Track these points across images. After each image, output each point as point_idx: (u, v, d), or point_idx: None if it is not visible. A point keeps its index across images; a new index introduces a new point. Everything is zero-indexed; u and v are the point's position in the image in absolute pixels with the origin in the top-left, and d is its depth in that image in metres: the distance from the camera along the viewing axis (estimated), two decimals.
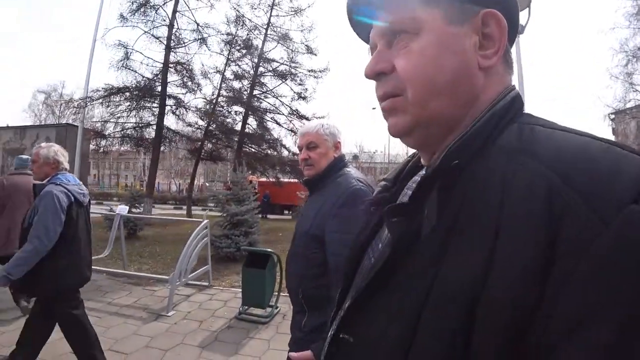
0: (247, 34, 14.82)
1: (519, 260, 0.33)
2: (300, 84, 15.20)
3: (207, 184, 38.64)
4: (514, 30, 0.49)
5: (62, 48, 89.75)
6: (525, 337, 0.32)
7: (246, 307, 4.16)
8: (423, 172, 0.55)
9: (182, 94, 14.16)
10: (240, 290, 4.31)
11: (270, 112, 15.27)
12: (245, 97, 14.69)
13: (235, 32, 14.58)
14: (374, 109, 32.15)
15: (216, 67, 14.97)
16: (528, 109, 0.49)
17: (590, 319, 0.29)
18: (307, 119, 15.09)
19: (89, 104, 12.28)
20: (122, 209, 5.57)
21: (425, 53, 0.46)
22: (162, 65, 13.62)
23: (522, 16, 3.37)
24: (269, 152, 15.00)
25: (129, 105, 13.37)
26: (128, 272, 5.53)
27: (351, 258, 0.63)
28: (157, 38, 13.50)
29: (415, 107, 0.47)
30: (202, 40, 14.25)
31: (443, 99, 0.46)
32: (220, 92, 14.91)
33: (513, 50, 0.53)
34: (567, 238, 0.31)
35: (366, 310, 0.47)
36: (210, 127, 14.68)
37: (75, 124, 16.30)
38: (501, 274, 0.34)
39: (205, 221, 4.92)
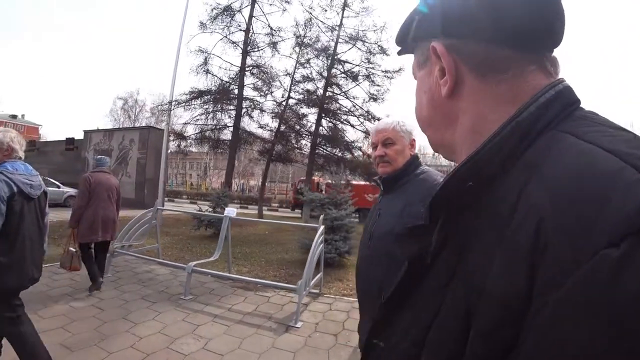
0: (317, 36, 14.64)
1: (502, 295, 0.32)
2: (374, 85, 14.72)
3: (267, 185, 39.31)
4: (508, 30, 0.43)
5: (139, 55, 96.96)
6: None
7: None
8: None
9: (257, 96, 14.32)
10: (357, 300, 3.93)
11: (343, 114, 14.94)
12: (318, 98, 14.49)
13: (304, 34, 14.44)
14: None
15: (286, 70, 14.99)
16: None
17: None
18: (379, 120, 14.61)
19: (174, 107, 12.74)
20: (231, 212, 5.44)
21: (415, 95, 0.56)
22: (239, 69, 13.86)
23: None
24: (342, 154, 14.66)
25: (207, 108, 13.76)
26: (247, 277, 5.38)
27: None
28: (234, 43, 13.75)
29: (426, 135, 0.57)
30: (273, 45, 14.33)
31: (430, 128, 0.54)
32: (290, 94, 14.91)
33: None
34: (543, 276, 0.29)
35: (392, 320, 0.51)
36: (281, 129, 14.71)
37: (155, 126, 17.21)
38: (488, 300, 0.34)
39: (322, 227, 4.63)
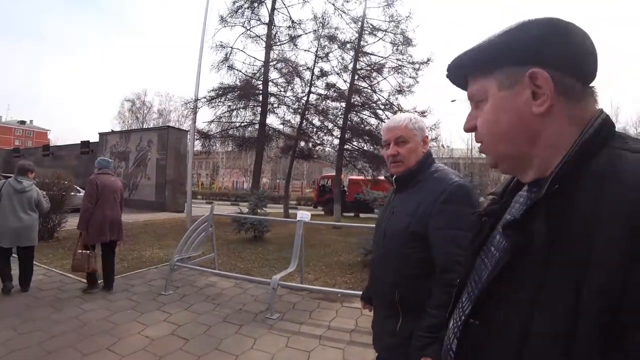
0: (337, 27, 13.82)
1: (608, 265, 0.43)
2: (404, 76, 13.92)
3: (278, 182, 38.62)
4: (582, 61, 0.58)
5: (144, 54, 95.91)
6: (617, 319, 0.42)
7: None
8: (526, 188, 0.67)
9: (282, 91, 13.58)
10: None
11: (370, 108, 14.13)
12: (344, 92, 13.73)
13: (324, 24, 13.58)
14: (453, 101, 29.79)
15: (305, 64, 14.16)
16: None
17: None
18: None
19: (202, 105, 12.02)
20: (304, 215, 4.72)
21: (488, 114, 0.63)
22: (262, 64, 13.11)
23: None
24: (374, 148, 13.88)
25: (230, 105, 13.03)
26: (329, 288, 4.74)
27: (467, 259, 0.75)
28: (258, 36, 13.01)
29: (489, 150, 0.66)
30: (294, 38, 13.57)
31: (504, 144, 0.62)
32: (311, 89, 14.13)
33: None
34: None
35: (491, 301, 0.59)
36: (303, 125, 13.98)
37: (174, 125, 16.48)
38: (596, 272, 0.44)
39: None
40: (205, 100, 11.97)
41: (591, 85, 0.59)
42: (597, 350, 0.43)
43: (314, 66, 14.10)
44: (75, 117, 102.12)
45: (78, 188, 14.13)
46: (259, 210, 9.00)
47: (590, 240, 0.45)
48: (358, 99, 14.03)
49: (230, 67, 12.72)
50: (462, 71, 0.68)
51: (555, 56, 0.56)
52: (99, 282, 4.43)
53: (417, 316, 1.22)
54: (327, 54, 14.03)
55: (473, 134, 0.67)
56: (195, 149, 12.79)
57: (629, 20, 67.65)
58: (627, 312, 0.41)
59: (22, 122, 62.33)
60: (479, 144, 0.68)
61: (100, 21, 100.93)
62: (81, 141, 20.01)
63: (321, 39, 13.68)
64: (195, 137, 12.95)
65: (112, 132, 20.42)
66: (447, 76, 0.72)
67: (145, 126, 35.84)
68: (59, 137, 61.61)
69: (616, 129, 0.56)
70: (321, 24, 13.43)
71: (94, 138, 19.54)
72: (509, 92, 0.59)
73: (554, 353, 0.47)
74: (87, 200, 4.22)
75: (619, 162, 0.48)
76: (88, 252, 4.17)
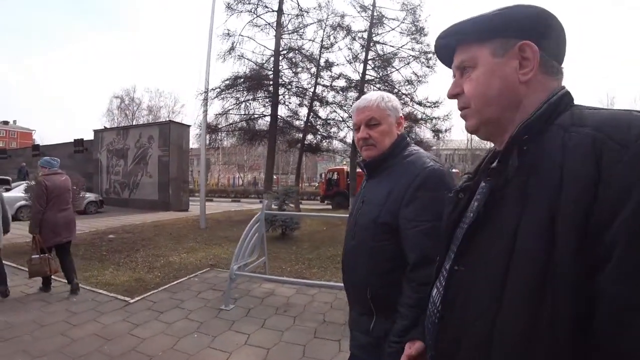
0: (340, 18, 13.02)
1: (580, 181, 0.52)
2: (410, 68, 13.28)
3: (276, 177, 37.72)
4: (559, 46, 0.68)
5: (134, 50, 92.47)
6: (588, 225, 0.50)
7: None
8: (495, 164, 0.68)
9: (291, 82, 12.78)
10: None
11: None
12: (356, 82, 13.02)
13: (328, 14, 12.79)
14: None
15: (311, 53, 13.31)
16: None
17: (629, 194, 0.47)
18: (420, 104, 13.28)
19: (211, 98, 11.12)
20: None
21: (479, 79, 0.68)
22: (272, 53, 12.27)
23: None
24: None
25: (238, 97, 12.17)
26: None
27: (447, 232, 0.79)
28: (269, 24, 12.12)
29: (476, 114, 0.70)
30: (301, 27, 12.75)
31: (493, 107, 0.68)
32: (318, 80, 13.33)
33: None
34: (607, 159, 0.51)
35: (473, 243, 0.66)
36: (310, 118, 13.22)
37: (176, 121, 15.48)
38: (569, 190, 0.52)
39: None
40: (220, 90, 11.07)
41: (562, 66, 0.69)
42: (576, 272, 0.50)
43: (320, 56, 13.32)
44: (61, 117, 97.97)
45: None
46: (285, 207, 8.25)
47: (560, 169, 0.54)
48: (372, 89, 13.36)
49: (241, 57, 11.84)
50: (457, 38, 0.72)
51: (545, 36, 0.66)
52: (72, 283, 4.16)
53: (390, 316, 1.13)
54: (332, 44, 13.25)
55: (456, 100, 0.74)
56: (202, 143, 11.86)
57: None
58: (599, 221, 0.49)
59: (5, 123, 59.26)
60: (462, 110, 0.74)
61: (84, 14, 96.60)
62: (74, 139, 18.70)
63: (326, 28, 12.87)
64: (198, 131, 12.08)
65: (108, 128, 19.22)
66: (439, 42, 0.76)
67: (134, 123, 34.38)
68: (43, 137, 59.02)
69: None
70: (326, 12, 12.65)
71: (83, 136, 18.29)
72: (501, 59, 0.66)
73: (536, 274, 0.53)
74: (37, 203, 4.05)
75: (581, 114, 0.60)
76: (47, 255, 4.02)
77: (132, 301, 3.91)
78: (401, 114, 1.32)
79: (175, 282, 4.63)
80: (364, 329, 1.24)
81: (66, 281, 4.22)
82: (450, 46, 0.74)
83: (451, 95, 0.75)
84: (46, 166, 4.29)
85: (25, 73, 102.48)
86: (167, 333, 3.09)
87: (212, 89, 10.78)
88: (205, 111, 10.57)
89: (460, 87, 0.72)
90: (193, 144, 17.30)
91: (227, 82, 11.45)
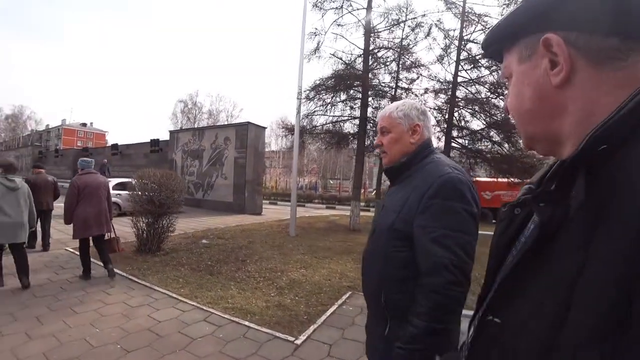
0: (420, 17, 11.72)
1: None
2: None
3: (331, 182, 36.89)
4: (615, 16, 0.42)
5: (199, 55, 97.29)
6: None
7: None
8: None
9: (381, 82, 11.72)
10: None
11: (474, 103, 11.92)
12: (447, 84, 11.69)
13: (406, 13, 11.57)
14: None
15: (399, 52, 12.09)
16: None
17: None
18: None
19: (305, 99, 10.37)
20: None
21: (512, 92, 0.53)
22: (362, 52, 11.28)
23: None
24: (484, 146, 11.72)
25: (325, 99, 11.29)
26: None
27: (496, 256, 0.58)
28: (359, 20, 11.16)
29: (520, 131, 0.54)
30: (396, 24, 11.63)
31: (531, 123, 0.51)
32: (399, 81, 12.11)
33: None
34: None
35: (515, 292, 0.47)
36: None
37: (251, 121, 14.99)
38: None
39: None
40: (321, 88, 10.28)
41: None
42: None
43: (401, 56, 12.09)
44: (131, 119, 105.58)
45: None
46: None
47: None
48: (464, 92, 11.95)
49: (333, 55, 10.98)
50: (491, 51, 0.59)
51: (571, 11, 0.45)
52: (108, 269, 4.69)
53: (404, 322, 1.05)
54: (416, 43, 11.97)
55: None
56: (285, 145, 11.06)
57: None
58: None
59: (84, 124, 64.22)
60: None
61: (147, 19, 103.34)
62: (151, 139, 19.05)
63: (416, 28, 11.62)
64: (284, 133, 11.36)
65: (184, 129, 19.32)
66: (487, 54, 0.62)
67: (196, 126, 35.19)
68: (116, 138, 63.13)
69: None
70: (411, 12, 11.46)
71: (159, 137, 18.53)
72: (528, 64, 0.51)
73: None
74: (68, 201, 4.42)
75: None
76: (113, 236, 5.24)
77: (298, 342, 2.95)
78: (418, 122, 1.24)
79: (330, 313, 3.64)
80: (380, 335, 1.17)
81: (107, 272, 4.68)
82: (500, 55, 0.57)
83: (504, 111, 0.43)
84: (84, 167, 4.70)
85: (100, 76, 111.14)
86: None
87: (302, 91, 9.95)
88: (299, 113, 9.76)
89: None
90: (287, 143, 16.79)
91: (330, 79, 10.62)
